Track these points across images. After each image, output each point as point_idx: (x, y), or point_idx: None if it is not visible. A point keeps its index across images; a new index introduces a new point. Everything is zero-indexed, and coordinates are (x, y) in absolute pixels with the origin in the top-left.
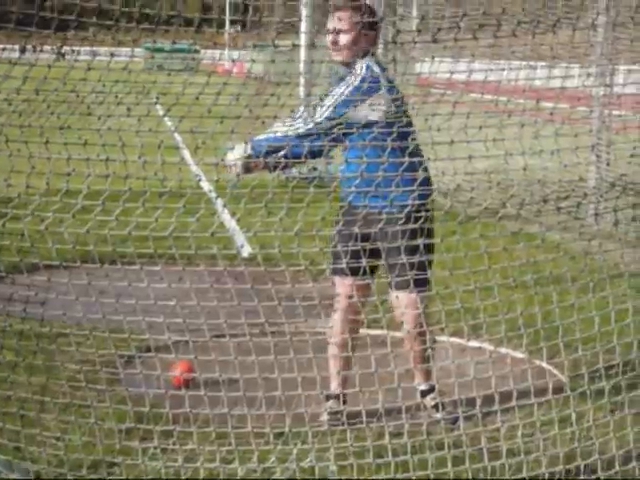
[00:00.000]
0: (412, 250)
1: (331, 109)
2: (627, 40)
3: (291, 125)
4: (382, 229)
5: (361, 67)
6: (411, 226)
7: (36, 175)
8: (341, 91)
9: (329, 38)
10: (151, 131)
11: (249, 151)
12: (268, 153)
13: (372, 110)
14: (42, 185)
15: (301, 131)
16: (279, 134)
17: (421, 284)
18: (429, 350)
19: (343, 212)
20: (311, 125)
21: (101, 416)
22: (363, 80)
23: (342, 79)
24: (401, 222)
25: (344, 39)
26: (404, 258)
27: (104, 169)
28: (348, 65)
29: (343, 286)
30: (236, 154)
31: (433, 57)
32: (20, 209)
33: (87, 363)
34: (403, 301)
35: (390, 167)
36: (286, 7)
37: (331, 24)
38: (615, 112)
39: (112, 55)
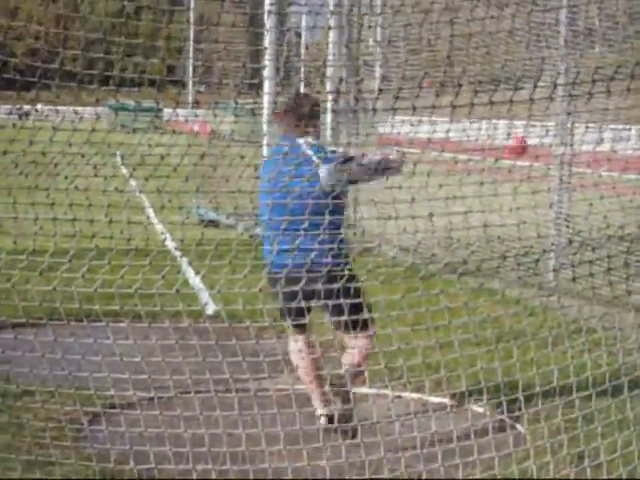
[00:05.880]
0: None
1: None
2: (585, 99)
3: None
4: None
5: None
6: None
7: (3, 234)
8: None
9: None
10: (117, 190)
11: None
12: None
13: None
14: (9, 244)
15: None
16: None
17: None
18: None
19: None
20: None
21: (66, 473)
22: None
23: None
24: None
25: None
26: None
27: (71, 228)
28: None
29: None
30: None
31: (394, 113)
32: None
33: (52, 420)
34: None
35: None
36: (248, 69)
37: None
38: (574, 169)
39: (76, 113)
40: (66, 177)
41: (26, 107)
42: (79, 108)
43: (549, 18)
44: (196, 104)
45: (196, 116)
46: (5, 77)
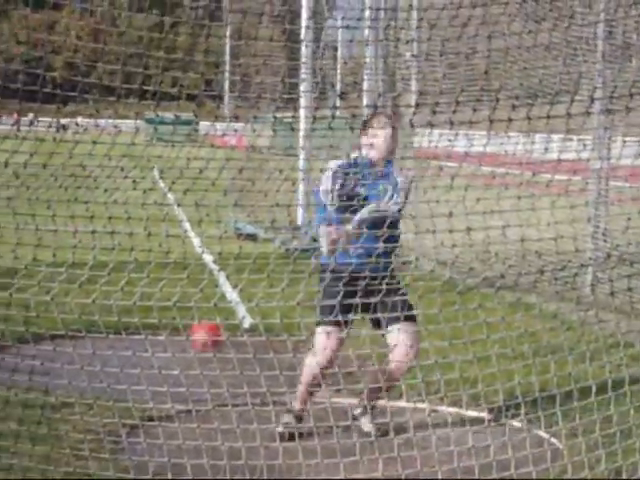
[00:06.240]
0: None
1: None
2: (623, 112)
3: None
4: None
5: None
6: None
7: (43, 247)
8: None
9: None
10: (156, 204)
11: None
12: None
13: None
14: (49, 257)
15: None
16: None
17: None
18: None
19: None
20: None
21: None
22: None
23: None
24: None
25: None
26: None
27: (110, 241)
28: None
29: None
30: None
31: (431, 129)
32: (26, 280)
33: (91, 432)
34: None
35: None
36: (286, 83)
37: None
38: (611, 183)
39: (116, 127)
40: (105, 190)
41: (63, 120)
42: (118, 121)
43: (586, 32)
44: (235, 118)
45: (235, 131)
46: (45, 91)
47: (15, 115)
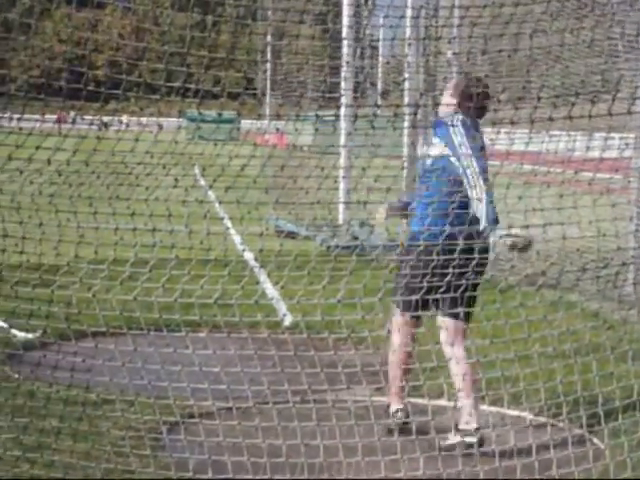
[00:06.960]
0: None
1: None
2: None
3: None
4: None
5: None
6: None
7: (84, 244)
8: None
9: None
10: (197, 201)
11: None
12: None
13: None
14: (90, 254)
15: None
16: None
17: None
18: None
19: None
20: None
21: None
22: None
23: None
24: None
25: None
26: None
27: (151, 238)
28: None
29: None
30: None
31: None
32: (68, 277)
33: (131, 429)
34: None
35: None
36: (326, 83)
37: None
38: None
39: (160, 126)
40: (147, 188)
41: (105, 118)
42: (161, 119)
43: (628, 30)
44: (277, 116)
45: (277, 129)
46: (87, 90)
47: (58, 113)
